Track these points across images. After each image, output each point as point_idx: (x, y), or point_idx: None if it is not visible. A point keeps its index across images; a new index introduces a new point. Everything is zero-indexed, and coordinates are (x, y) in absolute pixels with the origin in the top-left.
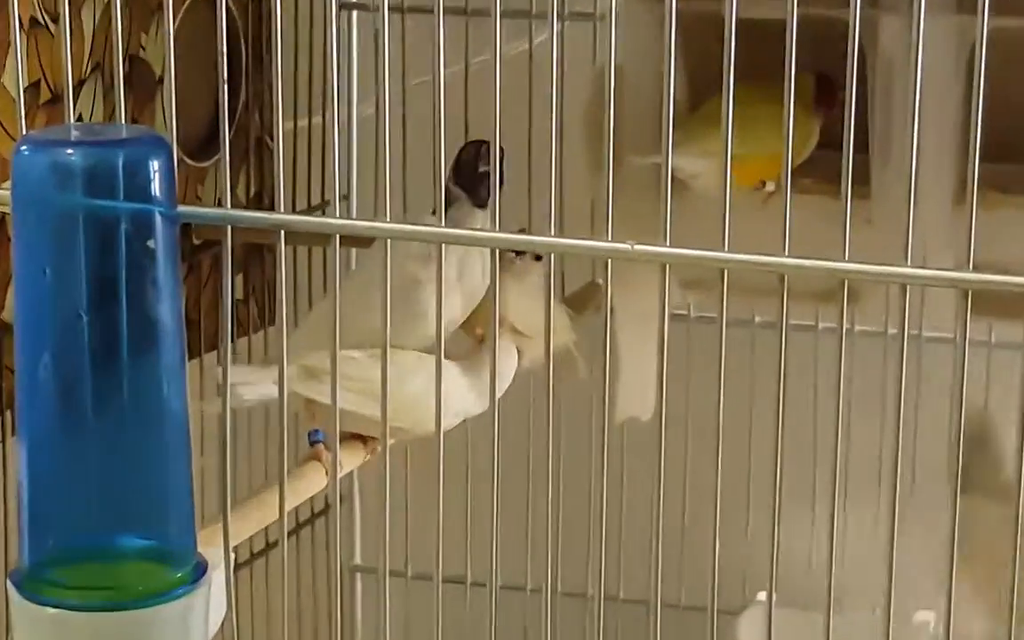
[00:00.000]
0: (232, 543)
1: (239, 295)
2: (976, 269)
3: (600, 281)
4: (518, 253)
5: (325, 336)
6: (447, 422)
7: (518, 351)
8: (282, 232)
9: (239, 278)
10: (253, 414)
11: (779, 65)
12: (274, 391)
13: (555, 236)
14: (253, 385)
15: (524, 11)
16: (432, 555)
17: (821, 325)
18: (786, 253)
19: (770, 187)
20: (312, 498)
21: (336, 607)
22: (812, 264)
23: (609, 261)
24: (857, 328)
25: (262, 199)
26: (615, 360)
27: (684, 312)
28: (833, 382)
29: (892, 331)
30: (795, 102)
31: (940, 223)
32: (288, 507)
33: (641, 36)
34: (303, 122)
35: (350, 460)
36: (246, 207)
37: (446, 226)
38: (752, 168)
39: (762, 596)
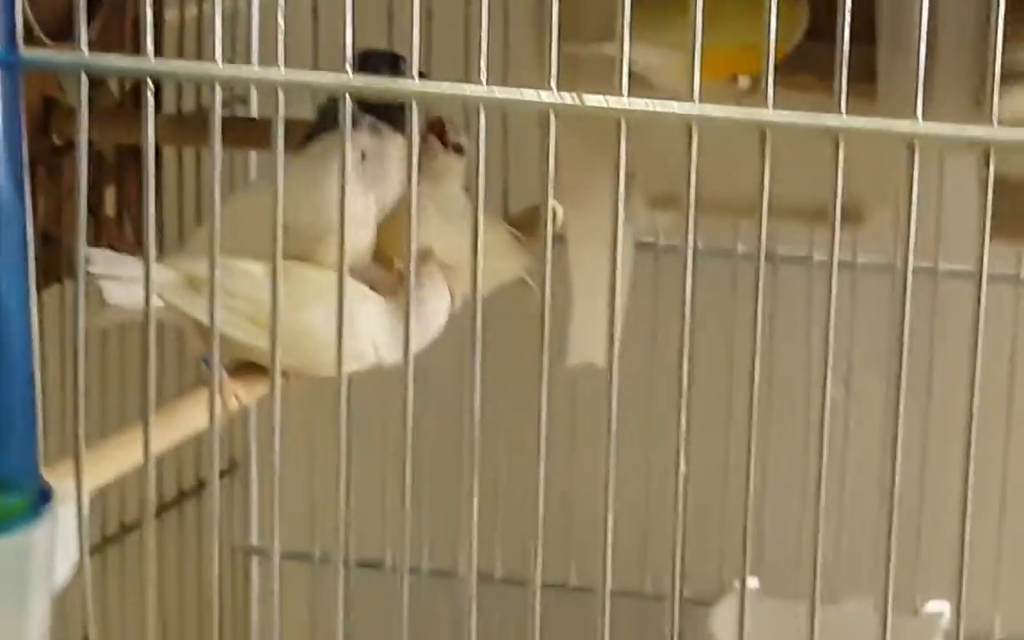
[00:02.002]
0: (91, 483)
1: (110, 211)
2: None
3: (554, 204)
4: (438, 136)
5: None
6: (355, 362)
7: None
8: (148, 80)
9: (110, 190)
10: (128, 332)
11: None
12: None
13: (488, 86)
14: (121, 282)
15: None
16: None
17: (816, 257)
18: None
19: (743, 83)
20: (199, 464)
21: (222, 596)
22: (802, 119)
23: (552, 116)
24: (860, 260)
25: (140, 97)
26: (566, 294)
27: (651, 240)
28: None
29: (901, 263)
30: None
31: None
32: (164, 445)
33: None
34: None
35: (248, 391)
36: (121, 107)
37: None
38: (720, 60)
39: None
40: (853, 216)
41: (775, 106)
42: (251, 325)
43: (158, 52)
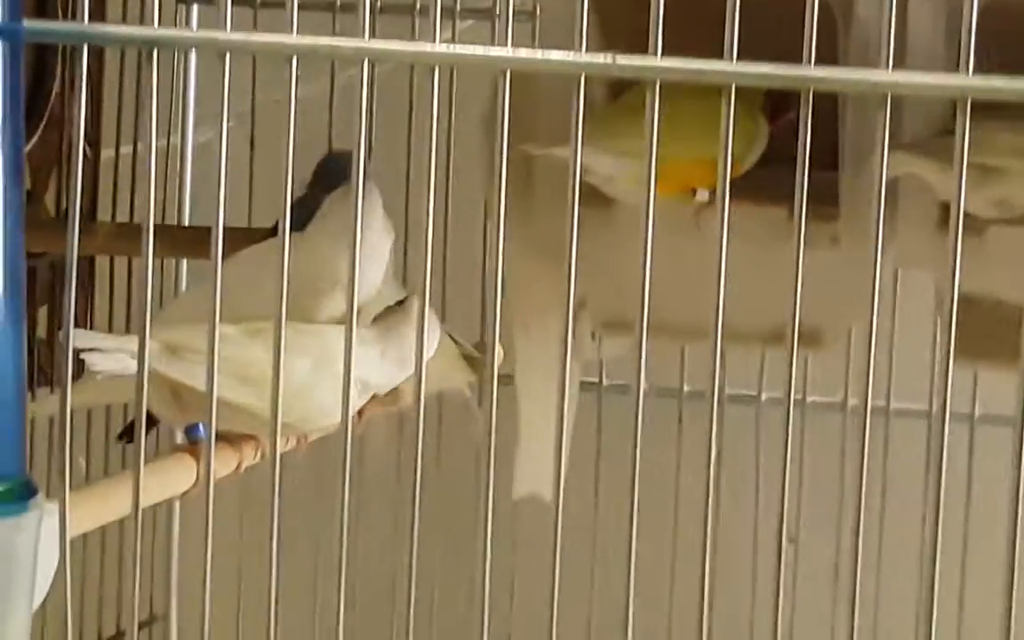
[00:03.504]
0: (75, 527)
1: (41, 333)
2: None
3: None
4: None
5: (199, 312)
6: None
7: (399, 393)
8: (155, 52)
9: (42, 311)
10: (95, 413)
11: (720, 49)
12: (132, 366)
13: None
14: (105, 353)
15: (405, 5)
16: None
17: (765, 395)
18: None
19: (701, 196)
20: (119, 610)
21: None
22: (774, 71)
23: (583, 78)
24: (810, 399)
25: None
26: (513, 425)
27: (594, 380)
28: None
29: (853, 401)
30: (738, 100)
31: (922, 248)
32: (148, 502)
33: (554, 16)
34: (126, 149)
35: (220, 466)
36: (55, 224)
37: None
38: (676, 173)
39: None
40: (812, 340)
41: (730, 225)
42: (240, 384)
43: (92, 201)
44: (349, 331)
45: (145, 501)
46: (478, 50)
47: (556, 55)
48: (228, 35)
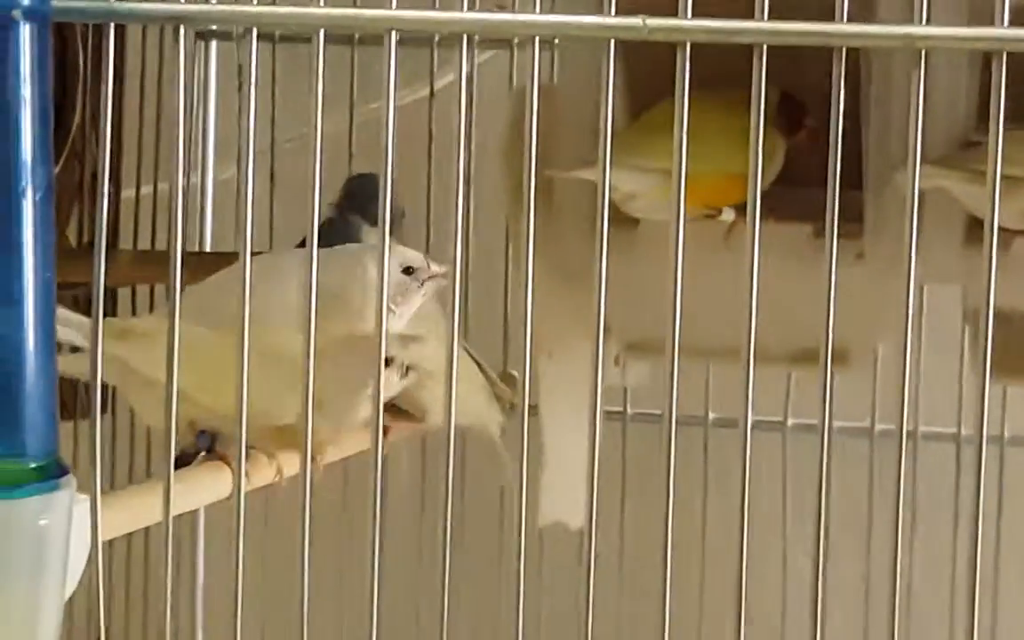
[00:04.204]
0: (107, 530)
1: None
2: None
3: (515, 372)
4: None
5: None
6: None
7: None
8: (182, 27)
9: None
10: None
11: (738, 75)
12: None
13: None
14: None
15: (424, 36)
16: None
17: (791, 421)
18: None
19: (727, 216)
20: None
21: None
22: (806, 28)
23: (612, 42)
24: (836, 424)
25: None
26: (538, 451)
27: (619, 409)
28: (806, 499)
29: (881, 426)
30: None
31: (949, 263)
32: (183, 508)
33: (576, 45)
34: (147, 189)
35: (257, 475)
36: (77, 254)
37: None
38: (699, 189)
39: None
40: (838, 359)
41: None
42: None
43: (113, 232)
44: (379, 358)
45: (178, 507)
46: (506, 17)
47: (586, 19)
48: (255, 9)
